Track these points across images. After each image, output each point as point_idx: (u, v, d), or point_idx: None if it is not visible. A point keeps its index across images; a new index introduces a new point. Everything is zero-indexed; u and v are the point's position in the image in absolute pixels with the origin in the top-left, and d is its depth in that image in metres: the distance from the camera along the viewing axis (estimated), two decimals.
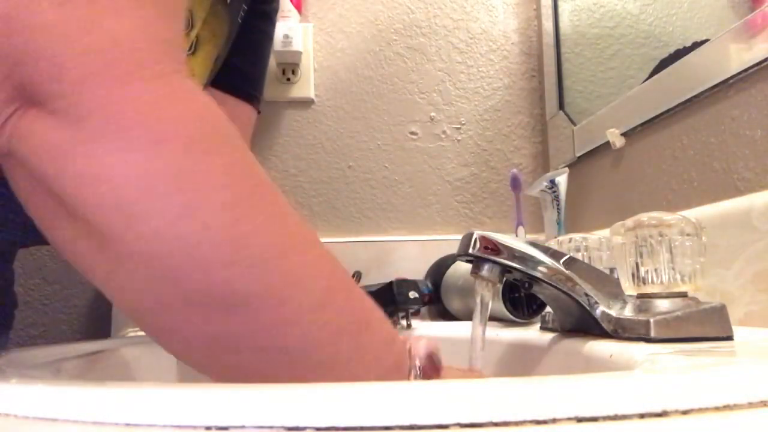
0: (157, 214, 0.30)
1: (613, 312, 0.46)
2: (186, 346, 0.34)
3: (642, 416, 0.20)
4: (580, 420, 0.19)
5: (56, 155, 0.30)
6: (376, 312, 0.38)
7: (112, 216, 0.30)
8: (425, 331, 0.77)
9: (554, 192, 0.91)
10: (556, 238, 0.61)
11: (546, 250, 0.47)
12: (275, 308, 0.32)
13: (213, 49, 0.55)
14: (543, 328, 0.58)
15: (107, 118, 0.29)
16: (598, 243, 0.58)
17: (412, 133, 1.17)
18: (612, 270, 0.55)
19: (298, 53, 1.12)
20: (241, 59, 0.66)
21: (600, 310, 0.46)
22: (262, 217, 0.32)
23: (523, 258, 0.46)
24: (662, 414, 0.20)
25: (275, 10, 0.72)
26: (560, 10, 1.12)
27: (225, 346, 0.32)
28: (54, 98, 0.29)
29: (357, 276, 1.01)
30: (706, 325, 0.42)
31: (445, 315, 0.92)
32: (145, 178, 0.29)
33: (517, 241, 0.47)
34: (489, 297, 0.47)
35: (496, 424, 0.19)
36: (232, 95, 0.67)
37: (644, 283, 0.45)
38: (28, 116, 0.30)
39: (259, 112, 0.71)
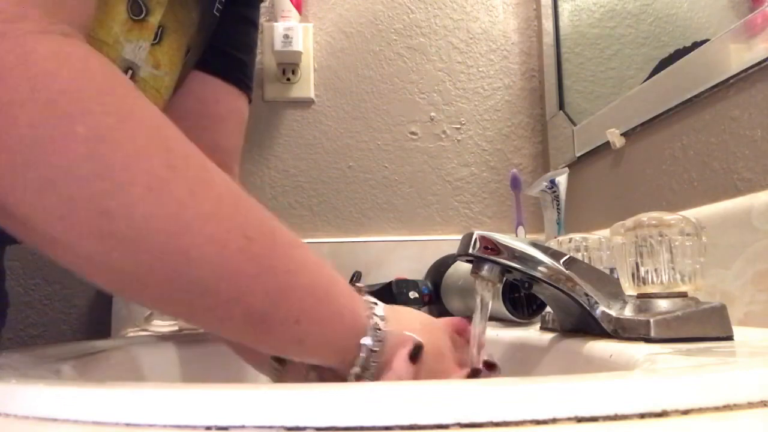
0: (18, 187, 0.28)
1: (613, 312, 0.46)
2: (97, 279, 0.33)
3: (642, 416, 0.20)
4: (580, 420, 0.19)
5: None
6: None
7: None
8: None
9: (554, 192, 0.91)
10: (556, 238, 0.61)
11: (546, 250, 0.47)
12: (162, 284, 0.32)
13: (181, 38, 0.53)
14: (543, 328, 0.58)
15: None
16: (598, 243, 0.58)
17: (412, 133, 1.17)
18: (612, 270, 0.54)
19: (298, 53, 1.12)
20: (230, 45, 0.65)
21: (600, 310, 0.46)
22: (140, 189, 0.29)
23: (523, 258, 0.46)
24: (662, 414, 0.20)
25: None
26: (560, 10, 1.11)
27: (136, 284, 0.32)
28: None
29: (357, 276, 1.01)
30: (706, 325, 0.42)
31: (445, 315, 0.92)
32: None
33: (517, 241, 0.47)
34: (489, 297, 0.47)
35: (496, 424, 0.19)
36: (222, 79, 0.64)
37: (644, 283, 0.45)
38: None
39: (250, 101, 0.70)
